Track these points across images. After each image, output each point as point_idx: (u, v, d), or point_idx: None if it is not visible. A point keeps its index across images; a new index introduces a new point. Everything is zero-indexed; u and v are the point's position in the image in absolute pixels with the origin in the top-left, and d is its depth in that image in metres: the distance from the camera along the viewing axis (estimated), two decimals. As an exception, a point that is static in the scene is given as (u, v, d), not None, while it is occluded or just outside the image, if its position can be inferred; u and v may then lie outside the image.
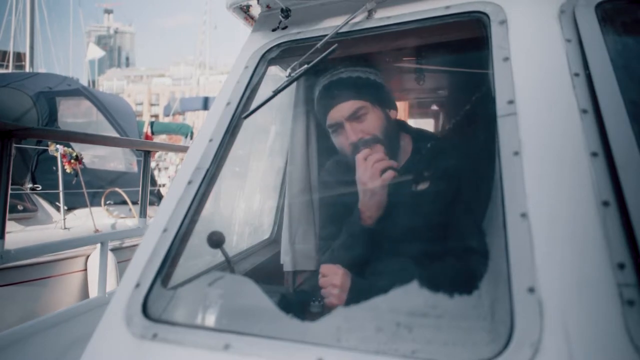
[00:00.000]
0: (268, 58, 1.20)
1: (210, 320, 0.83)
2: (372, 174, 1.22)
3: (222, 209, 1.90)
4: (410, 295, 0.73)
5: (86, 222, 4.28)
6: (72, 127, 5.38)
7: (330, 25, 1.15)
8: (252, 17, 1.35)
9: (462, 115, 1.68)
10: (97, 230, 4.10)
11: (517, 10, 0.94)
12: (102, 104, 5.88)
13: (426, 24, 1.05)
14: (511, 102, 0.83)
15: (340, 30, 1.10)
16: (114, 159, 5.90)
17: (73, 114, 5.80)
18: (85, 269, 4.06)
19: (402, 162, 1.38)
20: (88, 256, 4.05)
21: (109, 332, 0.80)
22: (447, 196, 1.24)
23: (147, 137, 10.19)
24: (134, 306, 0.82)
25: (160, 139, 12.22)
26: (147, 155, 3.20)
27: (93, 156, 5.38)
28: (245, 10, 1.32)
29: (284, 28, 1.22)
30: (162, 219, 0.94)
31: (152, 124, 12.16)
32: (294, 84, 1.40)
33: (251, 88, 1.15)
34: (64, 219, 4.23)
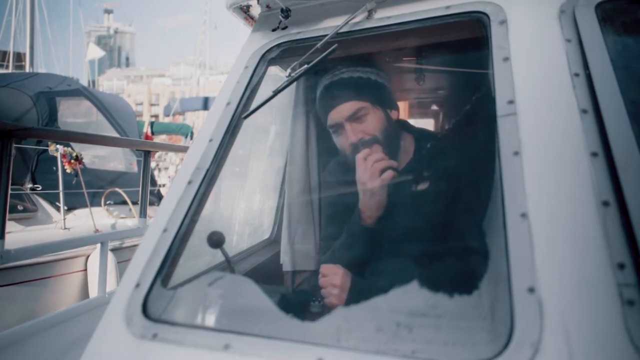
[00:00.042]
0: (268, 58, 1.20)
1: (210, 320, 0.83)
2: (371, 174, 1.22)
3: (222, 209, 1.90)
4: (410, 295, 0.73)
5: (86, 222, 4.28)
6: (72, 127, 5.38)
7: (330, 25, 1.15)
8: (252, 17, 1.35)
9: (462, 115, 1.68)
10: (97, 230, 4.10)
11: (517, 10, 0.94)
12: (102, 104, 5.88)
13: (426, 24, 1.05)
14: (511, 102, 0.83)
15: (340, 30, 1.10)
16: (114, 159, 5.90)
17: (73, 114, 5.80)
18: (85, 269, 4.06)
19: (403, 161, 1.38)
20: (88, 256, 4.05)
21: (109, 332, 0.80)
22: (447, 196, 1.24)
23: (147, 137, 10.19)
24: (134, 306, 0.82)
25: (160, 139, 12.22)
26: (147, 155, 3.20)
27: (93, 156, 5.38)
28: (245, 10, 1.32)
29: (284, 28, 1.22)
30: (162, 219, 0.94)
31: (152, 124, 12.16)
32: (294, 84, 1.40)
33: (251, 88, 1.15)
34: (64, 219, 4.23)
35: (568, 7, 0.90)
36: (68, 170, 4.23)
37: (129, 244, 4.36)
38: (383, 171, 1.23)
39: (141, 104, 70.33)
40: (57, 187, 4.28)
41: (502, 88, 0.86)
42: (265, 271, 1.91)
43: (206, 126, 1.10)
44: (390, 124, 1.34)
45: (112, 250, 3.84)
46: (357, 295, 1.12)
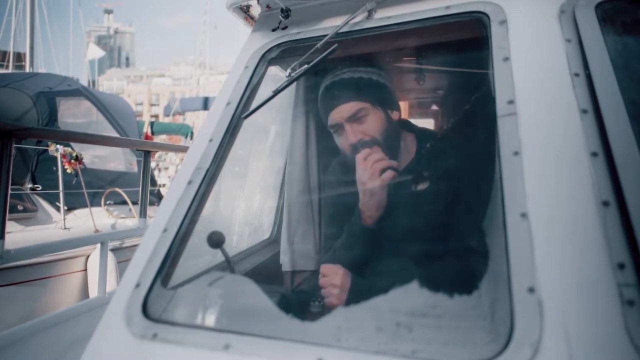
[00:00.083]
0: (268, 58, 1.20)
1: (210, 320, 0.83)
2: (371, 174, 1.22)
3: (222, 209, 1.90)
4: (410, 295, 0.73)
5: (86, 222, 4.28)
6: (72, 127, 5.38)
7: (330, 25, 1.15)
8: (252, 17, 1.35)
9: (462, 115, 1.68)
10: (97, 230, 4.10)
11: (517, 10, 0.94)
12: (102, 104, 5.88)
13: (426, 24, 1.05)
14: (511, 102, 0.83)
15: (340, 30, 1.10)
16: (114, 159, 5.90)
17: (73, 114, 5.80)
18: (85, 269, 4.06)
19: (405, 162, 1.37)
20: (88, 256, 4.05)
21: (109, 332, 0.80)
22: (447, 196, 1.24)
23: (147, 137, 10.19)
24: (134, 306, 0.82)
25: (161, 139, 12.22)
26: (147, 155, 3.20)
27: (93, 156, 5.38)
28: (245, 10, 1.32)
29: (284, 28, 1.22)
30: (162, 219, 0.94)
31: (152, 124, 12.16)
32: (294, 84, 1.40)
33: (251, 88, 1.15)
34: (64, 219, 4.23)
35: (568, 7, 0.90)
36: (68, 170, 4.23)
37: (129, 244, 4.36)
38: (383, 171, 1.23)
39: (141, 104, 70.33)
40: (57, 187, 4.28)
41: (502, 88, 0.86)
42: (265, 271, 1.91)
43: (206, 126, 1.10)
44: (390, 125, 1.34)
45: (112, 250, 3.84)
46: (357, 295, 1.12)
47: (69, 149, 4.24)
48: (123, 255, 4.14)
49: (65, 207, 4.30)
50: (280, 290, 1.66)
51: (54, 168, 4.41)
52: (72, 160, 4.20)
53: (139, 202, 3.18)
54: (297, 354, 0.69)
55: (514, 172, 0.76)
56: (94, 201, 4.67)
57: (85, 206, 4.32)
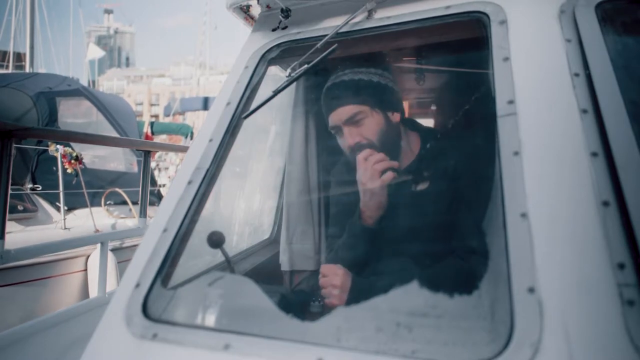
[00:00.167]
0: (268, 58, 1.20)
1: (210, 320, 0.83)
2: (371, 175, 1.23)
3: (222, 209, 1.90)
4: (410, 295, 0.73)
5: (86, 222, 4.28)
6: (72, 127, 5.37)
7: (330, 25, 1.15)
8: (252, 17, 1.35)
9: (462, 115, 1.68)
10: (97, 231, 4.10)
11: (517, 10, 0.94)
12: (102, 104, 5.88)
13: (426, 24, 1.05)
14: (511, 102, 0.83)
15: (340, 30, 1.10)
16: (114, 159, 5.90)
17: (73, 114, 5.80)
18: (86, 269, 4.06)
19: (407, 162, 1.37)
20: (88, 256, 4.05)
21: (109, 332, 0.80)
22: (447, 196, 1.24)
23: (147, 137, 10.19)
24: (134, 306, 0.82)
25: (161, 139, 12.22)
26: (147, 155, 3.20)
27: (93, 156, 5.38)
28: (245, 10, 1.32)
29: (284, 28, 1.22)
30: (162, 219, 0.94)
31: (152, 124, 12.16)
32: (294, 84, 1.40)
33: (251, 88, 1.15)
34: (64, 219, 4.23)
35: (568, 7, 0.90)
36: (68, 170, 4.23)
37: (129, 244, 4.36)
38: (383, 172, 1.23)
39: (141, 104, 70.33)
40: (57, 187, 4.28)
41: (502, 88, 0.86)
42: (265, 271, 1.91)
43: (206, 126, 1.10)
44: (389, 127, 1.33)
45: (112, 250, 3.84)
46: (357, 295, 1.12)
47: (69, 149, 4.23)
48: (123, 255, 4.14)
49: (66, 207, 4.30)
50: (280, 290, 1.66)
51: (54, 168, 4.41)
52: (72, 160, 4.20)
53: (139, 202, 3.18)
54: (297, 354, 0.69)
55: (514, 172, 0.76)
56: (94, 201, 4.67)
57: (86, 206, 4.32)
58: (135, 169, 5.87)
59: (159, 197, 5.96)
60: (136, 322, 0.79)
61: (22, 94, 5.11)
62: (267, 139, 2.18)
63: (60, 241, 3.13)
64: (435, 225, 1.24)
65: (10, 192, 2.06)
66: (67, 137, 3.85)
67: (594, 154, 0.73)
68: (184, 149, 4.15)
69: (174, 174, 13.64)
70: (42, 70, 16.12)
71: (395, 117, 1.36)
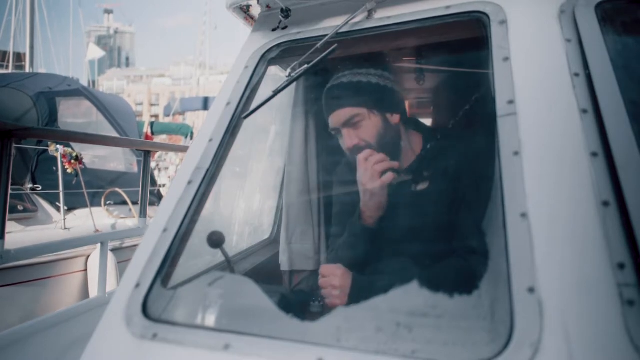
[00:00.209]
0: (268, 58, 1.20)
1: (210, 320, 0.83)
2: (372, 175, 1.23)
3: (222, 209, 1.90)
4: (410, 295, 0.73)
5: (86, 223, 4.28)
6: (72, 128, 5.37)
7: (330, 25, 1.15)
8: (252, 17, 1.35)
9: (462, 115, 1.68)
10: (97, 231, 4.10)
11: (517, 10, 0.94)
12: (102, 104, 5.88)
13: (426, 24, 1.05)
14: (511, 102, 0.83)
15: (340, 30, 1.10)
16: (114, 159, 5.90)
17: (73, 114, 5.80)
18: (86, 269, 4.06)
19: (408, 162, 1.37)
20: (88, 256, 4.05)
21: (109, 332, 0.80)
22: (448, 196, 1.24)
23: (147, 138, 10.19)
24: (134, 306, 0.82)
25: (161, 139, 12.23)
26: (147, 155, 3.20)
27: (93, 156, 5.38)
28: (245, 10, 1.32)
29: (284, 28, 1.22)
30: (162, 219, 0.94)
31: (152, 124, 12.16)
32: (294, 84, 1.40)
33: (251, 88, 1.15)
34: (64, 219, 4.23)
35: (568, 7, 0.90)
36: (68, 171, 4.23)
37: (129, 244, 4.36)
38: (383, 173, 1.23)
39: (141, 104, 70.33)
40: (57, 187, 4.28)
41: (502, 88, 0.86)
42: (265, 271, 1.91)
43: (206, 126, 1.10)
44: (388, 129, 1.33)
45: (112, 250, 3.84)
46: (358, 294, 1.12)
47: (69, 149, 4.23)
48: (123, 255, 4.14)
49: (66, 207, 4.30)
50: (280, 290, 1.66)
51: (54, 168, 4.41)
52: (72, 161, 4.20)
53: (139, 202, 3.18)
54: (297, 354, 0.69)
55: (514, 172, 0.76)
56: (94, 201, 4.67)
57: (86, 206, 4.32)
58: (135, 169, 5.87)
59: (159, 197, 5.96)
60: (136, 322, 0.79)
61: (22, 94, 5.11)
62: (267, 139, 2.18)
63: (60, 241, 3.13)
64: (435, 225, 1.24)
65: (10, 192, 2.06)
66: (67, 137, 3.85)
67: (594, 154, 0.73)
68: (184, 149, 4.15)
69: (174, 174, 13.64)
70: (42, 70, 16.13)
71: (395, 118, 1.36)
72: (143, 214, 3.13)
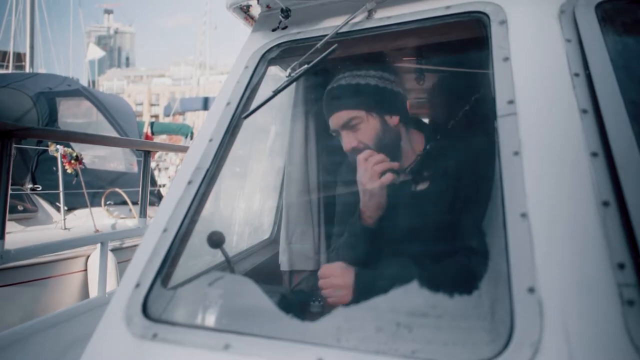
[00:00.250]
0: (268, 58, 1.20)
1: (210, 320, 0.83)
2: (371, 176, 1.23)
3: (222, 209, 1.90)
4: (410, 295, 0.73)
5: (86, 223, 4.28)
6: (72, 128, 5.37)
7: (330, 25, 1.15)
8: (252, 17, 1.35)
9: (462, 115, 1.68)
10: (97, 231, 4.10)
11: (517, 10, 0.94)
12: (102, 104, 5.88)
13: (426, 24, 1.05)
14: (511, 102, 0.83)
15: (340, 30, 1.10)
16: (114, 159, 5.90)
17: (73, 114, 5.80)
18: (86, 269, 4.06)
19: (408, 162, 1.37)
20: (88, 256, 4.05)
21: (109, 332, 0.80)
22: (449, 196, 1.24)
23: (147, 138, 10.19)
24: (134, 306, 0.82)
25: (161, 139, 12.23)
26: (147, 155, 3.20)
27: (93, 156, 5.38)
28: (245, 10, 1.32)
29: (284, 28, 1.22)
30: (162, 219, 0.94)
31: (152, 124, 12.17)
32: (294, 84, 1.40)
33: (251, 88, 1.15)
34: (64, 219, 4.23)
35: (568, 7, 0.90)
36: (68, 171, 4.23)
37: (129, 244, 4.36)
38: (383, 173, 1.23)
39: (141, 104, 70.34)
40: (57, 188, 4.28)
41: (502, 88, 0.86)
42: (265, 271, 1.91)
43: (206, 126, 1.10)
44: (386, 131, 1.33)
45: (112, 250, 3.84)
46: (363, 289, 1.12)
47: (69, 149, 4.24)
48: (123, 255, 4.14)
49: (66, 207, 4.30)
50: (280, 290, 1.66)
51: (54, 168, 4.41)
52: (72, 161, 4.20)
53: (139, 202, 3.18)
54: (297, 354, 0.69)
55: (514, 172, 0.76)
56: (94, 201, 4.67)
57: (86, 206, 4.32)
58: (135, 169, 5.87)
59: (159, 197, 5.96)
60: (136, 322, 0.79)
61: (22, 94, 5.11)
62: (267, 139, 2.18)
63: (60, 241, 3.13)
64: (435, 225, 1.24)
65: (10, 192, 2.06)
66: (67, 137, 3.85)
67: (594, 154, 0.73)
68: (184, 149, 4.15)
69: (174, 174, 13.64)
70: (42, 70, 16.13)
71: (394, 120, 1.35)
72: (143, 214, 3.14)
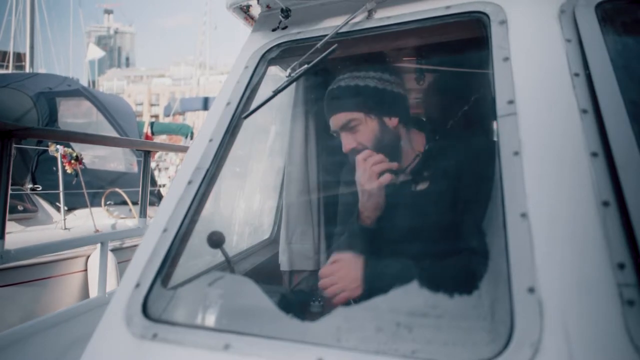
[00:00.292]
0: (268, 58, 1.20)
1: (210, 320, 0.83)
2: (369, 176, 1.23)
3: (222, 209, 1.90)
4: (410, 295, 0.73)
5: (86, 223, 4.28)
6: (72, 128, 5.38)
7: (330, 25, 1.15)
8: (252, 17, 1.35)
9: (462, 115, 1.68)
10: (97, 231, 4.10)
11: (517, 10, 0.94)
12: (102, 104, 5.88)
13: (426, 24, 1.05)
14: (511, 102, 0.83)
15: (340, 30, 1.10)
16: (114, 160, 5.90)
17: (73, 114, 5.80)
18: (86, 269, 4.06)
19: (408, 162, 1.37)
20: (88, 256, 4.05)
21: (109, 332, 0.80)
22: (448, 196, 1.24)
23: (147, 138, 10.20)
24: (134, 306, 0.82)
25: (161, 139, 12.23)
26: (147, 155, 3.20)
27: (93, 156, 5.38)
28: (245, 10, 1.32)
29: (284, 28, 1.22)
30: (162, 219, 0.94)
31: (152, 124, 12.18)
32: (294, 84, 1.40)
33: (251, 88, 1.15)
34: (64, 219, 4.23)
35: (568, 7, 0.90)
36: (68, 171, 4.23)
37: (129, 244, 4.36)
38: (381, 174, 1.23)
39: (141, 104, 70.34)
40: (57, 188, 4.28)
41: (502, 88, 0.86)
42: (265, 271, 1.91)
43: (206, 126, 1.10)
44: (385, 132, 1.33)
45: (112, 250, 3.84)
46: (373, 279, 1.11)
47: (69, 149, 4.24)
48: (123, 255, 4.14)
49: (66, 208, 4.30)
50: (280, 290, 1.66)
51: (54, 168, 4.41)
52: (72, 161, 4.20)
53: (139, 202, 3.18)
54: (297, 354, 0.69)
55: (514, 172, 0.76)
56: (94, 201, 4.67)
57: (86, 206, 4.32)
58: (135, 169, 5.88)
59: (159, 197, 5.96)
60: (136, 322, 0.79)
61: (22, 94, 5.11)
62: (267, 139, 2.18)
63: (60, 241, 3.14)
64: (434, 225, 1.24)
65: (10, 192, 2.06)
66: (67, 137, 3.85)
67: (594, 154, 0.73)
68: (184, 149, 4.15)
69: (174, 174, 13.64)
70: (42, 70, 16.15)
71: (393, 121, 1.35)
72: (143, 214, 3.14)
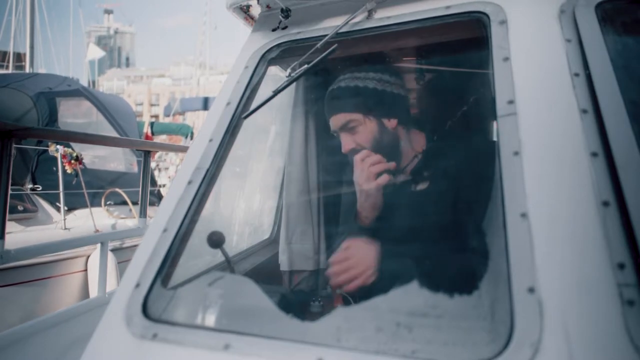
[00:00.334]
0: (268, 58, 1.20)
1: (210, 320, 0.83)
2: (367, 176, 1.23)
3: (222, 209, 1.90)
4: (410, 295, 0.73)
5: (86, 223, 4.28)
6: (72, 128, 5.38)
7: (330, 25, 1.15)
8: (252, 17, 1.35)
9: (462, 115, 1.68)
10: (97, 231, 4.10)
11: (517, 10, 0.94)
12: (102, 104, 5.88)
13: (426, 24, 1.05)
14: (511, 102, 0.83)
15: (340, 30, 1.10)
16: (114, 160, 5.90)
17: (73, 115, 5.81)
18: (86, 269, 4.06)
19: (408, 163, 1.37)
20: (88, 256, 4.05)
21: (109, 332, 0.80)
22: (447, 196, 1.24)
23: (147, 138, 10.20)
24: (134, 306, 0.82)
25: (161, 139, 12.24)
26: (147, 155, 3.21)
27: (93, 156, 5.38)
28: (245, 10, 1.32)
29: (284, 28, 1.22)
30: (162, 219, 0.94)
31: (152, 124, 12.18)
32: (294, 84, 1.40)
33: (251, 88, 1.15)
34: (64, 219, 4.23)
35: (568, 7, 0.90)
36: (68, 171, 4.23)
37: (129, 244, 4.36)
38: (379, 174, 1.23)
39: (141, 104, 70.35)
40: (57, 188, 4.28)
41: (502, 88, 0.86)
42: (265, 271, 1.90)
43: (206, 126, 1.10)
44: (384, 133, 1.33)
45: (112, 250, 3.84)
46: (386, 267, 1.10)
47: (69, 149, 4.24)
48: (123, 255, 4.15)
49: (66, 208, 4.30)
50: (280, 290, 1.66)
51: (54, 168, 4.42)
52: (72, 161, 4.20)
53: (139, 202, 3.18)
54: (297, 354, 0.69)
55: (514, 172, 0.76)
56: (94, 201, 4.67)
57: (86, 206, 4.32)
58: (135, 169, 5.88)
59: (159, 197, 5.96)
60: (136, 322, 0.79)
61: (22, 94, 5.12)
62: (267, 139, 2.18)
63: (60, 241, 3.14)
64: (434, 225, 1.24)
65: (10, 192, 2.06)
66: (67, 137, 3.85)
67: (594, 154, 0.73)
68: (184, 149, 4.15)
69: (174, 174, 13.63)
70: (42, 70, 16.15)
71: (392, 122, 1.35)
72: (143, 214, 3.14)
